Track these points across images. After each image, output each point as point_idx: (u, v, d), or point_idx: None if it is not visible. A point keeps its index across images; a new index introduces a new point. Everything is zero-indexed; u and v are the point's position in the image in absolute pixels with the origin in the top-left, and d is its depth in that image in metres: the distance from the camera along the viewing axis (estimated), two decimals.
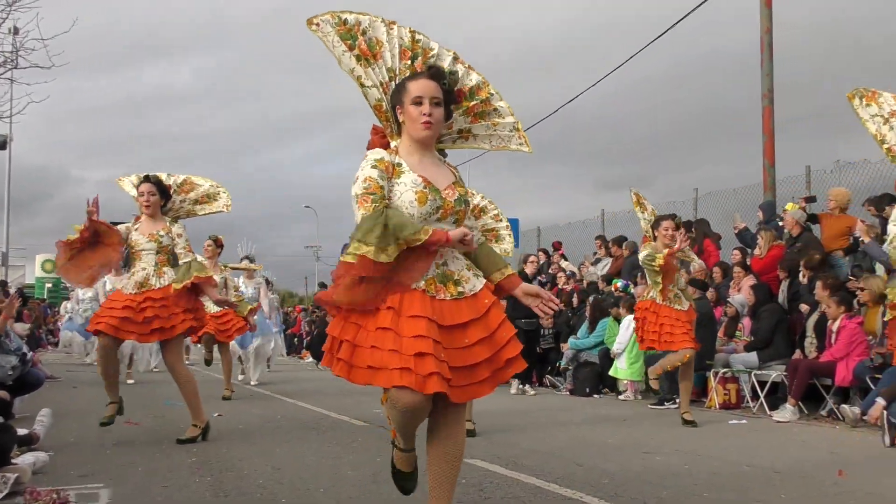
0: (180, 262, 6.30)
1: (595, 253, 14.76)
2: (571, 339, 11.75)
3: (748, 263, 10.47)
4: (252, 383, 12.23)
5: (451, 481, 3.17)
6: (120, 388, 6.57)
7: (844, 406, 7.63)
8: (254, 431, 7.00)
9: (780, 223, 10.78)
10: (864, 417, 6.99)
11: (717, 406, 9.15)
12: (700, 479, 4.97)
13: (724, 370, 9.25)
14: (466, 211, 3.25)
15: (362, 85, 3.27)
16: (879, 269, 8.50)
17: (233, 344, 11.22)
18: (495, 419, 7.65)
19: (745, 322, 9.77)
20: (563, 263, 14.89)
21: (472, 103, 3.39)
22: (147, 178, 6.31)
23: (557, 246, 15.95)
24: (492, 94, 3.41)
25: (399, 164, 3.14)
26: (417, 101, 3.14)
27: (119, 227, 6.31)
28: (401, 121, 3.23)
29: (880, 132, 4.10)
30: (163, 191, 6.34)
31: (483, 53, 66.90)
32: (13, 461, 4.78)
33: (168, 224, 6.33)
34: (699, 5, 13.32)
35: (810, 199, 11.16)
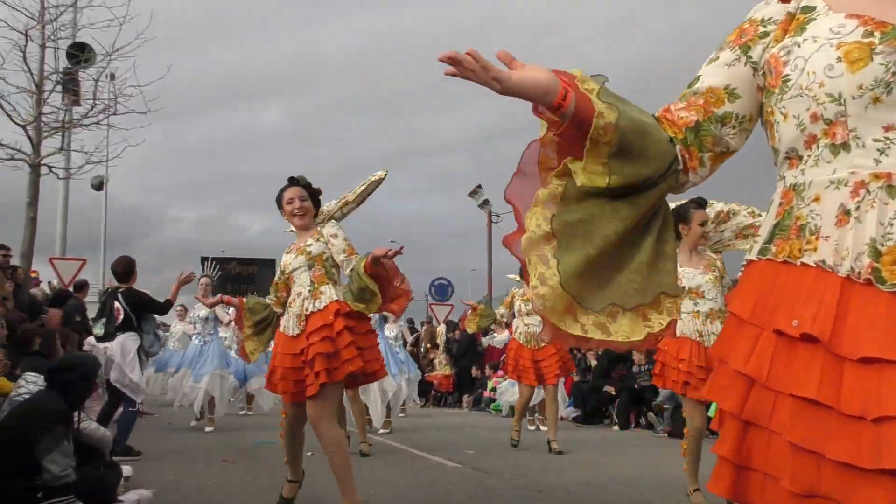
0: (344, 270, 4.84)
1: None
2: None
3: None
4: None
5: None
6: (202, 434, 6.50)
7: None
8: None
9: None
10: None
11: None
12: None
13: None
14: None
15: None
16: None
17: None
18: (593, 460, 7.54)
19: None
20: None
21: None
22: (293, 181, 4.99)
23: None
24: None
25: (809, 7, 1.55)
26: None
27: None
28: None
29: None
30: (313, 195, 5.01)
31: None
32: (119, 498, 5.00)
33: (318, 229, 4.96)
34: None
35: None
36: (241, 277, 27.93)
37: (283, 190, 4.95)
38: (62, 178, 13.28)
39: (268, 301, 5.08)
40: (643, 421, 12.22)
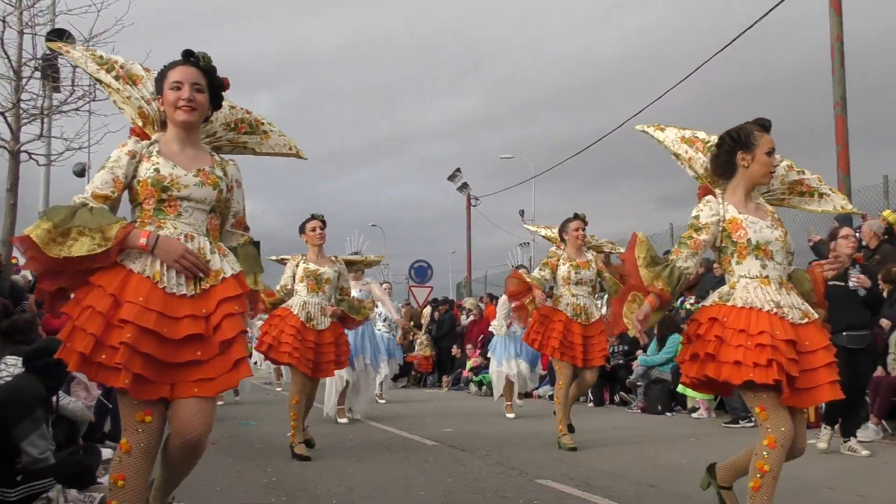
0: (226, 240, 3.35)
1: None
2: (641, 356, 11.62)
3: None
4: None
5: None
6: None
7: None
8: (325, 452, 7.09)
9: (858, 235, 10.48)
10: None
11: None
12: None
13: None
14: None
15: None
16: None
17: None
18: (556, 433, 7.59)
19: None
20: None
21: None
22: (189, 57, 3.26)
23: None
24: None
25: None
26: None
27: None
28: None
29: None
30: (216, 89, 3.32)
31: (552, 75, 66.71)
32: (99, 480, 4.98)
33: (215, 156, 3.35)
34: (762, 17, 13.19)
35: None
36: None
37: (169, 67, 3.25)
38: (42, 165, 13.08)
39: (88, 204, 3.01)
40: (617, 398, 12.33)
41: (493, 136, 69.59)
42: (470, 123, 74.08)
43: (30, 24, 10.68)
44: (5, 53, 10.23)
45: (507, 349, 10.67)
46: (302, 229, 6.86)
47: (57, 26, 11.40)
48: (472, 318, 18.51)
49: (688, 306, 11.54)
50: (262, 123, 3.64)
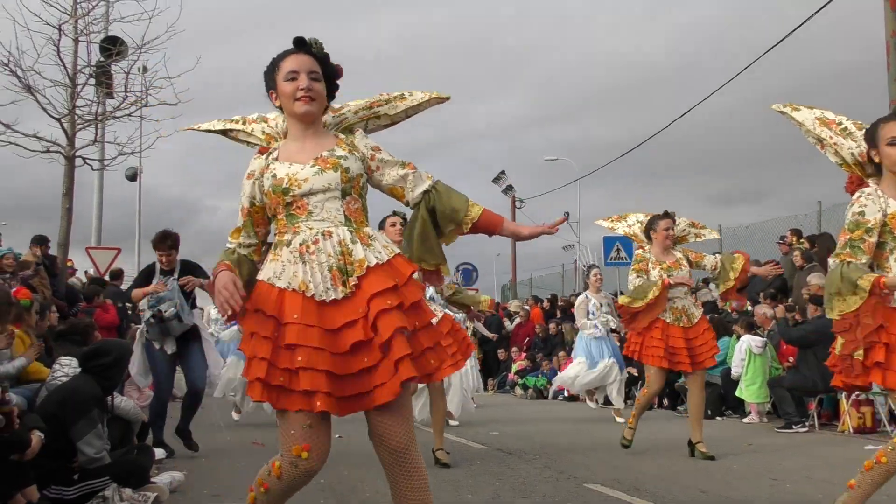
0: (410, 192, 3.01)
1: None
2: None
3: None
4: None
5: None
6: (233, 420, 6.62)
7: None
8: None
9: None
10: None
11: (851, 430, 8.71)
12: None
13: (858, 392, 8.80)
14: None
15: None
16: None
17: None
18: (613, 441, 7.52)
19: None
20: None
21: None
22: (302, 45, 2.96)
23: None
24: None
25: None
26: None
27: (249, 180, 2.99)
28: None
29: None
30: (329, 77, 3.01)
31: (596, 76, 66.17)
32: (152, 480, 5.06)
33: (339, 136, 3.04)
34: (812, 15, 12.98)
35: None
36: None
37: (281, 58, 2.97)
38: (96, 170, 13.38)
39: (240, 252, 2.98)
40: (665, 401, 12.18)
41: (536, 136, 69.48)
42: (513, 124, 74.12)
43: (84, 31, 10.95)
44: (61, 61, 10.48)
45: (595, 349, 10.60)
46: (382, 225, 6.28)
47: (110, 34, 11.68)
48: (517, 320, 18.48)
49: (749, 308, 11.32)
50: (403, 94, 3.30)
